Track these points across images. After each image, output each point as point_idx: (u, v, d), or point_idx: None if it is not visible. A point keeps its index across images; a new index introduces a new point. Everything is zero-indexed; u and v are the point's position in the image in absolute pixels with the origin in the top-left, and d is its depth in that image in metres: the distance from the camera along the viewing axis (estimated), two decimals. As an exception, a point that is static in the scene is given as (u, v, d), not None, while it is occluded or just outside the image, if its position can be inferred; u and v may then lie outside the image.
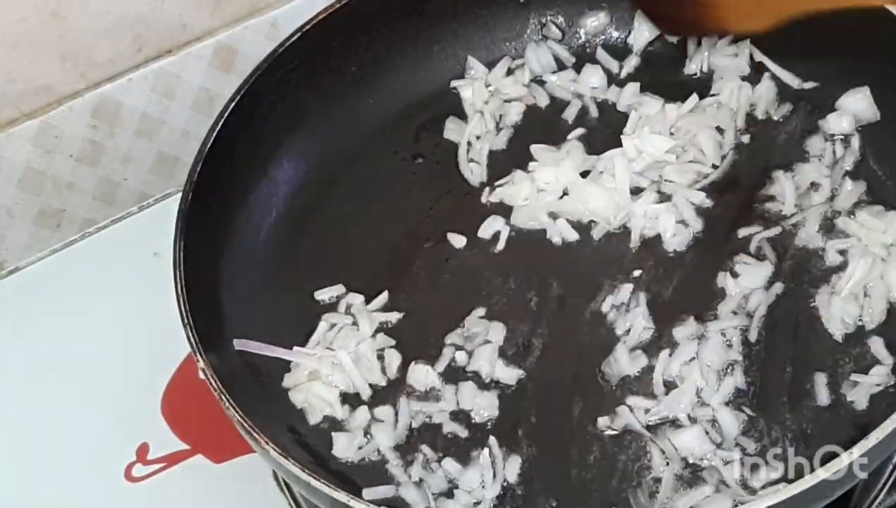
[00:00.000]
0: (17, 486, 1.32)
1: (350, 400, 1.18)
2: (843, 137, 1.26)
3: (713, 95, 1.31)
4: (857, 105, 1.26)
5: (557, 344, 1.19)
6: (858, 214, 1.20)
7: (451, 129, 1.35)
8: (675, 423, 1.11)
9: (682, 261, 1.22)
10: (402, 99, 1.36)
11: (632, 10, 1.36)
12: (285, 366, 1.21)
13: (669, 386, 1.14)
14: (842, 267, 1.17)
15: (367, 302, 1.24)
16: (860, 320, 1.15)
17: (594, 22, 1.38)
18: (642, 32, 1.36)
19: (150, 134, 1.51)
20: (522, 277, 1.23)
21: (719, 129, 1.28)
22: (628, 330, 1.17)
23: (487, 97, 1.36)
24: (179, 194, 1.21)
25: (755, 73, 1.31)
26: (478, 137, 1.34)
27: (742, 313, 1.17)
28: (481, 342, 1.19)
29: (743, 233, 1.22)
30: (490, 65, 1.38)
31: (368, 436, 1.15)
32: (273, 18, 1.51)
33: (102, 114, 1.47)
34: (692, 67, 1.34)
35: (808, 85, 1.29)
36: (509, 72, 1.37)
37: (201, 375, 1.10)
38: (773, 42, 1.29)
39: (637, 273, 1.21)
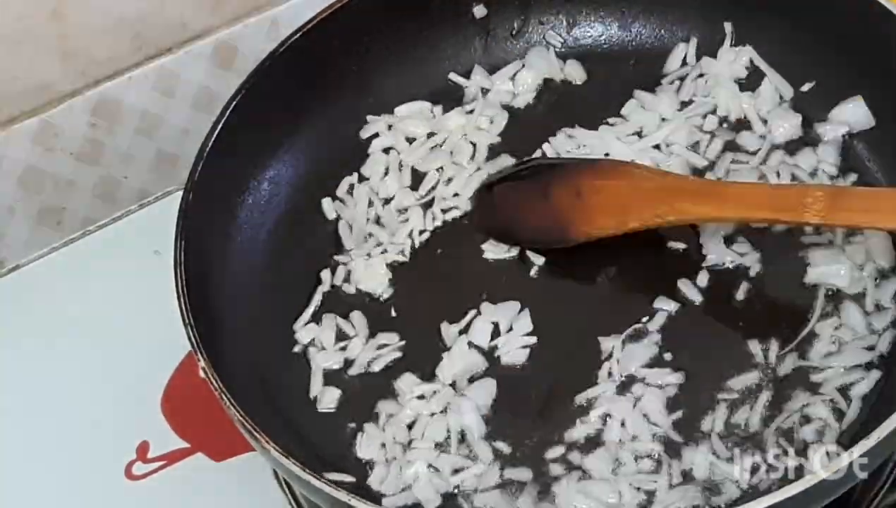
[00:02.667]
0: (17, 485, 1.32)
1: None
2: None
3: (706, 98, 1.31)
4: (850, 114, 1.25)
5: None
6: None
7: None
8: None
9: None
10: (402, 99, 1.36)
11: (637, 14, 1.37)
12: (286, 365, 1.22)
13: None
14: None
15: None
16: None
17: (592, 28, 1.39)
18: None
19: (150, 132, 1.51)
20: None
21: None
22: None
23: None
24: (180, 192, 1.21)
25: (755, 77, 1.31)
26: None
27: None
28: None
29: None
30: (492, 69, 1.38)
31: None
32: (273, 17, 1.51)
33: (103, 113, 1.47)
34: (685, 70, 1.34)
35: (806, 87, 1.29)
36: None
37: (201, 374, 1.10)
38: (771, 44, 1.30)
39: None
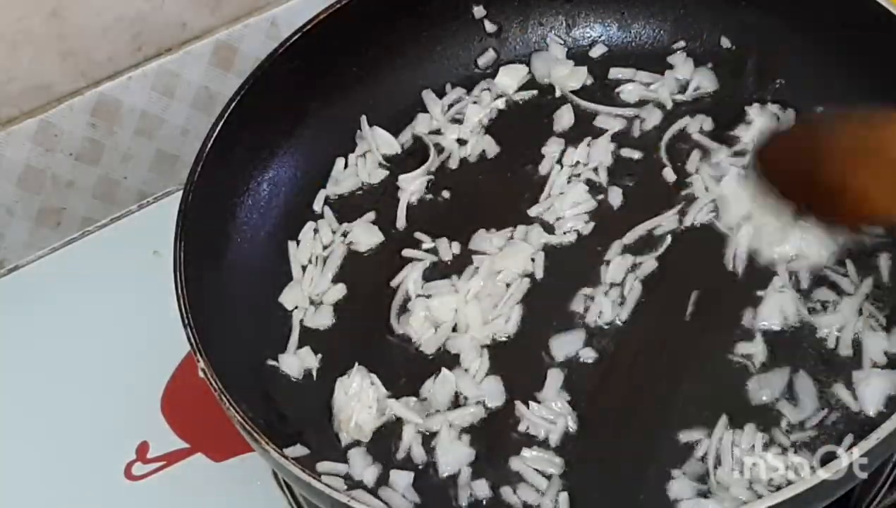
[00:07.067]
0: (17, 485, 1.32)
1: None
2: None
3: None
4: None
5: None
6: None
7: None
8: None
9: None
10: (402, 99, 1.36)
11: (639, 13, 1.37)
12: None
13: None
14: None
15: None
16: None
17: (592, 29, 1.39)
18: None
19: (149, 132, 1.51)
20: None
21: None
22: None
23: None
24: (179, 193, 1.21)
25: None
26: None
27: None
28: None
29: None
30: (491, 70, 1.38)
31: None
32: (273, 17, 1.50)
33: (102, 113, 1.47)
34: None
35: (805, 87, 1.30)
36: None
37: (201, 374, 1.10)
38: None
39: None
